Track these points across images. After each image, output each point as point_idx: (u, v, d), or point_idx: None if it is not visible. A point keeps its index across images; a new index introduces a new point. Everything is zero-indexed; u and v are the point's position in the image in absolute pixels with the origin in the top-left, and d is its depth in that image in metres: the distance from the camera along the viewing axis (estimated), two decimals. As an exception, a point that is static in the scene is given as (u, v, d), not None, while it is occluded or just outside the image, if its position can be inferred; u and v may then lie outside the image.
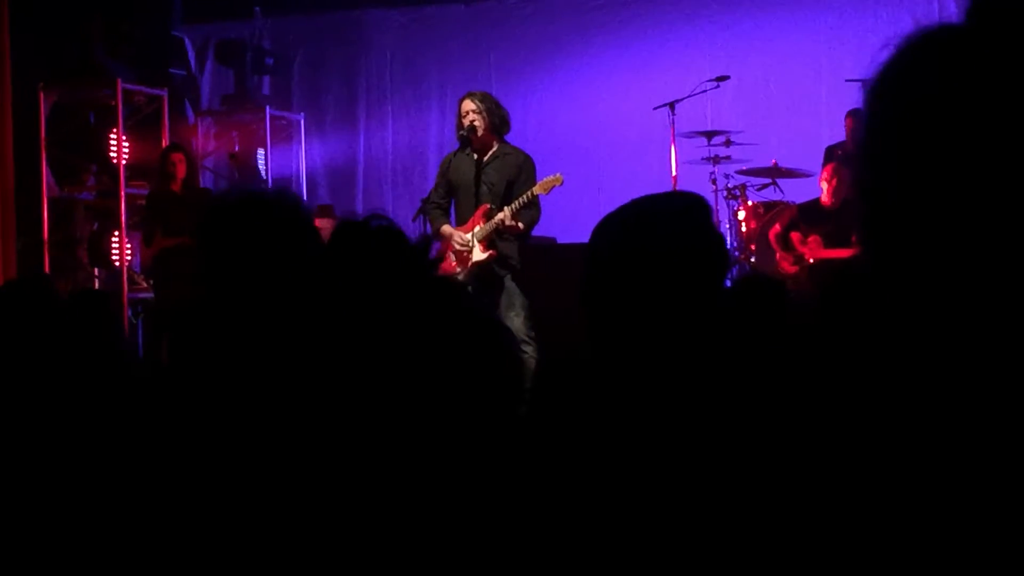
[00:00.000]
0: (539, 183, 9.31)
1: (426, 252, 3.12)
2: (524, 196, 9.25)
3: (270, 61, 15.69)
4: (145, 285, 13.35)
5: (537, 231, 9.69)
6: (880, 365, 1.11)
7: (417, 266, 3.02)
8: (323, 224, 13.36)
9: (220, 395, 2.75)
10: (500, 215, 9.20)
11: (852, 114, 12.04)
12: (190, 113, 15.80)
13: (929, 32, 0.97)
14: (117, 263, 13.53)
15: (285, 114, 15.80)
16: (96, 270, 13.93)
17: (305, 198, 15.68)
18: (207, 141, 15.79)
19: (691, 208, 2.80)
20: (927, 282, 0.93)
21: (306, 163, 15.84)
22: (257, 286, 2.79)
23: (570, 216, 11.08)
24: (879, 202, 0.96)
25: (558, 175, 9.37)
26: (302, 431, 2.64)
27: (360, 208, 15.49)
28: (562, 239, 11.80)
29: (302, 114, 15.92)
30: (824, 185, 11.19)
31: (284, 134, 15.77)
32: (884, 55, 1.02)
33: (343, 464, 2.54)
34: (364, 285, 2.88)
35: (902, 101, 0.95)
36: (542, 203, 9.48)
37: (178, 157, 12.14)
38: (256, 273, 2.80)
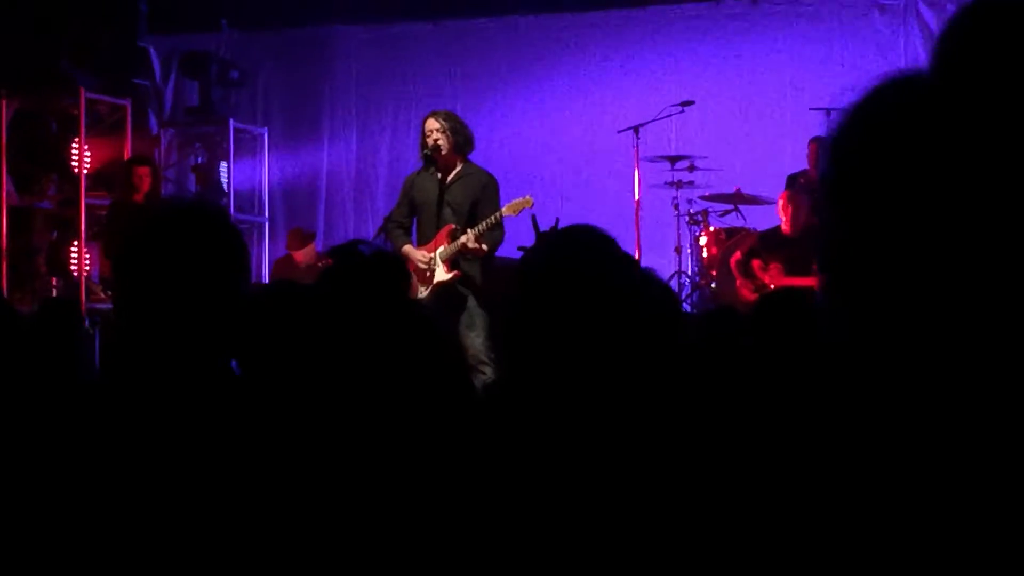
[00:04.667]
0: (508, 204, 9.31)
1: (407, 277, 3.15)
2: (491, 218, 9.25)
3: (235, 74, 15.64)
4: (104, 296, 13.28)
5: (499, 251, 9.68)
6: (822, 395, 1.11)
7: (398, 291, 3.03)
8: (307, 251, 13.23)
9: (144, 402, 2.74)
10: (464, 238, 9.19)
11: (815, 141, 12.09)
12: (153, 124, 15.75)
13: (891, 82, 0.96)
14: (76, 273, 13.46)
15: (249, 127, 15.75)
16: (54, 280, 13.84)
17: (267, 212, 15.65)
18: (170, 152, 15.74)
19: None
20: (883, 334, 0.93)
21: (269, 177, 15.79)
22: (172, 300, 2.78)
23: (532, 237, 11.07)
24: (837, 245, 0.96)
25: (528, 197, 9.38)
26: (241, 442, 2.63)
27: (321, 223, 15.46)
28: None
29: (266, 128, 15.88)
30: (781, 214, 11.22)
31: (248, 147, 15.73)
32: (846, 101, 1.00)
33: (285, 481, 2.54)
34: (355, 307, 2.88)
35: (862, 155, 0.94)
36: (504, 224, 9.47)
37: (144, 171, 12.16)
38: (171, 288, 2.78)
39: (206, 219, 2.85)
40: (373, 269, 3.14)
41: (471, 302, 9.27)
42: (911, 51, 13.84)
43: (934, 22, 13.86)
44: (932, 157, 0.88)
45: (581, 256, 2.67)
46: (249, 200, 15.65)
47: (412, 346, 2.66)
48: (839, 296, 0.96)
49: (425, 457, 2.57)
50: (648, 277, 2.76)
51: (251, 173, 15.71)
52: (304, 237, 13.85)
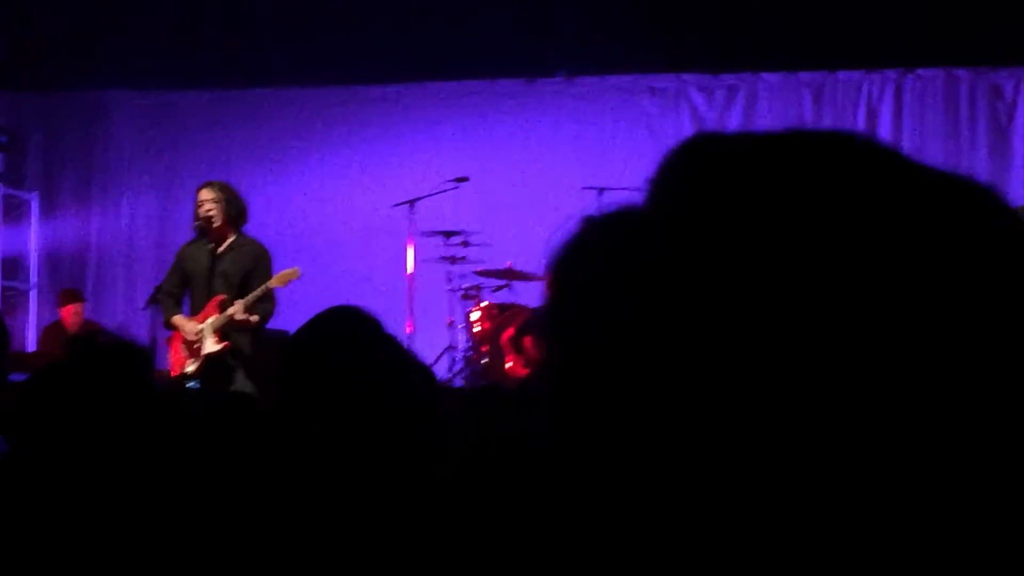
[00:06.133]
0: (276, 276, 9.30)
1: (149, 366, 3.11)
2: (259, 289, 9.21)
3: (3, 138, 15.31)
4: None
5: (271, 324, 9.63)
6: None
7: (140, 381, 2.99)
8: (76, 309, 12.92)
9: None
10: (232, 309, 9.14)
11: (588, 220, 12.27)
12: (-85, 187, 15.34)
13: (606, 218, 1.01)
14: None
15: (17, 192, 15.42)
16: None
17: (35, 279, 15.30)
18: (-67, 217, 15.33)
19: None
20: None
21: (38, 244, 15.45)
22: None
23: (304, 310, 11.00)
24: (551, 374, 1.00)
25: (295, 268, 9.38)
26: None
27: (91, 291, 15.15)
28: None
29: (35, 193, 15.55)
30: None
31: (16, 213, 15.38)
32: (566, 233, 1.04)
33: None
34: (90, 402, 2.84)
35: (572, 290, 0.98)
36: (278, 296, 9.45)
37: None
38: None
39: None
40: (109, 360, 3.10)
41: (240, 374, 9.20)
42: (680, 132, 14.17)
43: (703, 106, 14.24)
44: (641, 295, 0.93)
45: (343, 339, 2.69)
46: (16, 267, 15.30)
47: (146, 437, 2.64)
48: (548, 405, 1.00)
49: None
50: (409, 361, 2.78)
51: (19, 239, 15.35)
52: (72, 294, 13.58)
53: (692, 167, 0.97)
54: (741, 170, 0.94)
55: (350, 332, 2.73)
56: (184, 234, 10.18)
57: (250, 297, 9.19)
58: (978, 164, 13.29)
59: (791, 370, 0.87)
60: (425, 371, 2.77)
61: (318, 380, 2.64)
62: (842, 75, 14.09)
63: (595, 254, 0.97)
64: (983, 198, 0.94)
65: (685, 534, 0.90)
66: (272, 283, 9.29)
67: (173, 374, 9.45)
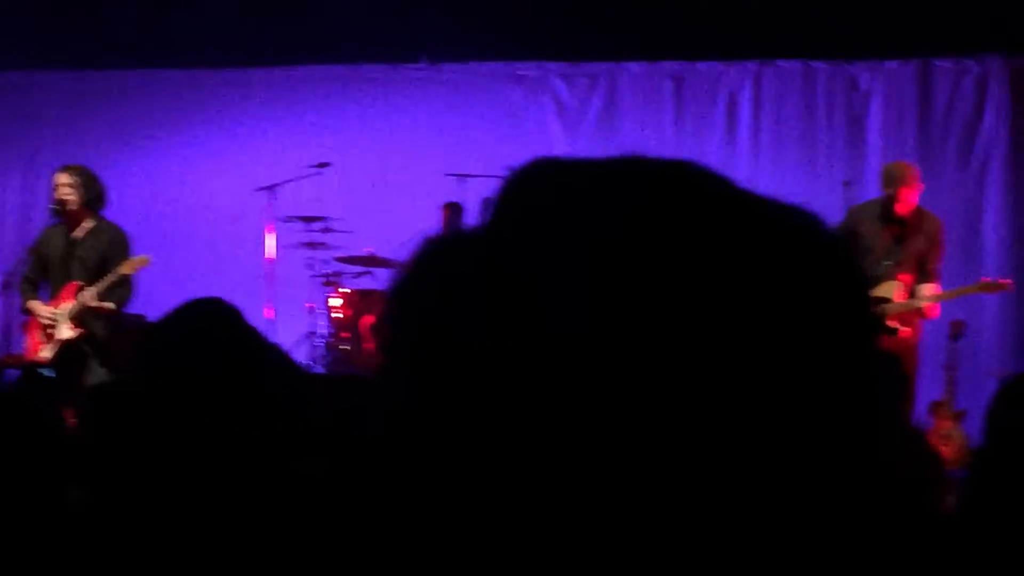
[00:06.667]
0: (125, 263, 9.21)
1: None
2: (110, 276, 9.12)
3: None
4: None
5: (129, 308, 9.53)
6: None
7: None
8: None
9: None
10: (84, 295, 9.04)
11: (449, 207, 12.27)
12: None
13: (444, 241, 1.03)
14: None
15: None
16: None
17: None
18: None
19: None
20: None
21: None
22: None
23: (163, 295, 10.88)
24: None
25: (145, 256, 9.31)
26: None
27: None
28: (153, 317, 11.58)
29: None
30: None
31: None
32: (409, 255, 1.06)
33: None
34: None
35: (414, 312, 1.00)
36: (136, 280, 9.35)
37: None
38: None
39: None
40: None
41: (94, 362, 9.09)
42: (543, 120, 14.24)
43: (566, 94, 14.29)
44: (470, 315, 0.94)
45: (204, 332, 2.66)
46: None
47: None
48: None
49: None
50: (271, 353, 2.77)
51: None
52: None
53: (528, 195, 0.98)
54: (574, 199, 0.96)
55: (210, 325, 2.70)
56: (44, 218, 10.04)
57: (102, 284, 9.09)
58: (835, 154, 13.47)
59: (616, 403, 0.89)
60: (287, 362, 2.76)
61: (177, 373, 2.61)
62: (702, 65, 14.20)
63: (431, 274, 0.99)
64: (804, 225, 0.97)
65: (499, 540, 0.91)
66: (122, 269, 9.20)
67: (28, 359, 9.34)
